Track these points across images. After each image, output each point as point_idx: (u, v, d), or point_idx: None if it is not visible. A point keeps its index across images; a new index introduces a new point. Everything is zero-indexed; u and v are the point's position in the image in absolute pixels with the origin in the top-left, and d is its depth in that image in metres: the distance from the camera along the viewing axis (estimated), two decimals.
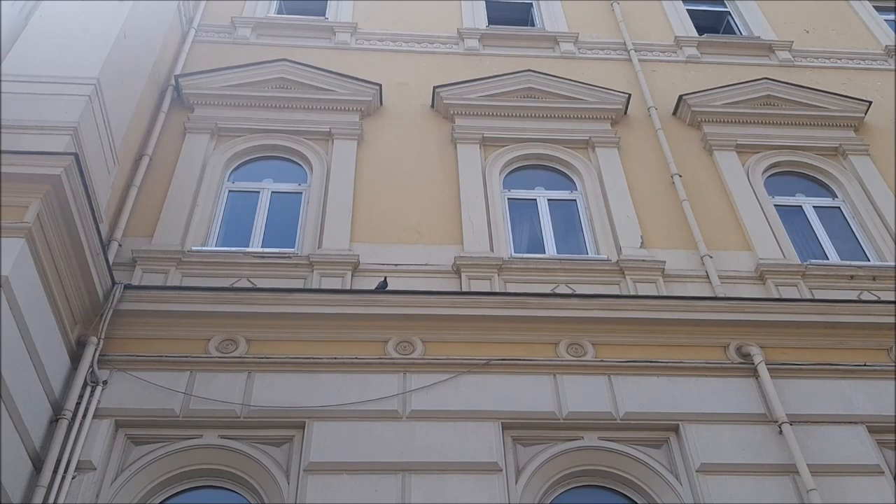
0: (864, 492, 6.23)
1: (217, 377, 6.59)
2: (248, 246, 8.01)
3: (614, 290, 7.72)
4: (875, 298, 7.76)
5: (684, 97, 9.99)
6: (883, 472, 6.40)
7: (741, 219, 8.62)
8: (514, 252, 8.21)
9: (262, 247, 8.01)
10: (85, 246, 6.34)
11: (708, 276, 7.89)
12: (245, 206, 8.54)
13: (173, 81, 9.42)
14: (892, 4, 13.03)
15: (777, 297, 7.73)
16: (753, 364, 6.96)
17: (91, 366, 6.41)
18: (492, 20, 11.71)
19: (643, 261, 7.98)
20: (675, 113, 10.05)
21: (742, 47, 11.55)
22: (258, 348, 6.81)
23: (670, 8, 12.25)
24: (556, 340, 7.05)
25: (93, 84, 7.19)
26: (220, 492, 6.26)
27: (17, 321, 5.56)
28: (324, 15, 11.41)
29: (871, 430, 6.66)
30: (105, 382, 6.42)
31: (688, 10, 12.30)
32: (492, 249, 8.01)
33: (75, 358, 6.46)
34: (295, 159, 9.07)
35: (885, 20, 12.55)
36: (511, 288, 7.62)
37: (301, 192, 8.71)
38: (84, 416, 6.15)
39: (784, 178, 9.50)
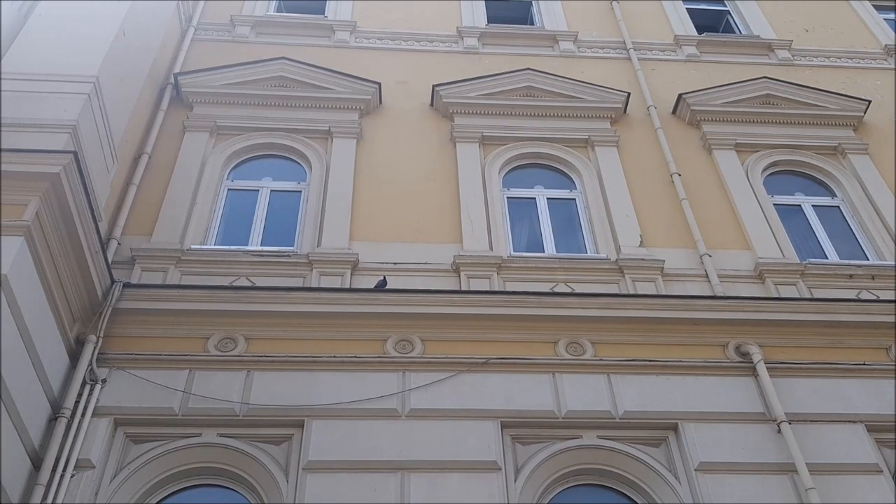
0: (863, 491, 6.24)
1: (216, 376, 6.59)
2: (247, 244, 8.00)
3: (613, 289, 7.72)
4: (874, 297, 7.77)
5: (684, 96, 9.99)
6: (882, 471, 6.40)
7: (740, 218, 8.63)
8: (514, 251, 8.21)
9: (261, 245, 8.01)
10: (84, 244, 6.34)
11: (707, 276, 7.90)
12: (244, 205, 8.54)
13: (172, 80, 9.41)
14: (891, 3, 13.03)
15: (776, 296, 7.73)
16: (752, 363, 6.96)
17: (90, 364, 6.40)
18: (491, 19, 11.70)
19: (642, 260, 7.98)
20: (674, 112, 10.05)
21: (741, 46, 11.55)
22: (257, 347, 6.81)
23: (670, 7, 12.25)
24: (556, 339, 7.05)
25: (92, 82, 7.18)
26: (220, 490, 6.26)
27: (16, 319, 5.56)
28: (323, 13, 11.41)
29: (870, 429, 6.66)
30: (104, 381, 6.42)
31: (687, 9, 12.30)
32: (491, 248, 8.01)
33: (74, 356, 6.46)
34: (294, 158, 9.07)
35: (885, 19, 12.56)
36: (510, 287, 7.62)
37: (300, 191, 8.71)
38: (83, 414, 6.15)
39: (783, 177, 9.51)
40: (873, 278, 8.03)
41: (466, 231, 8.15)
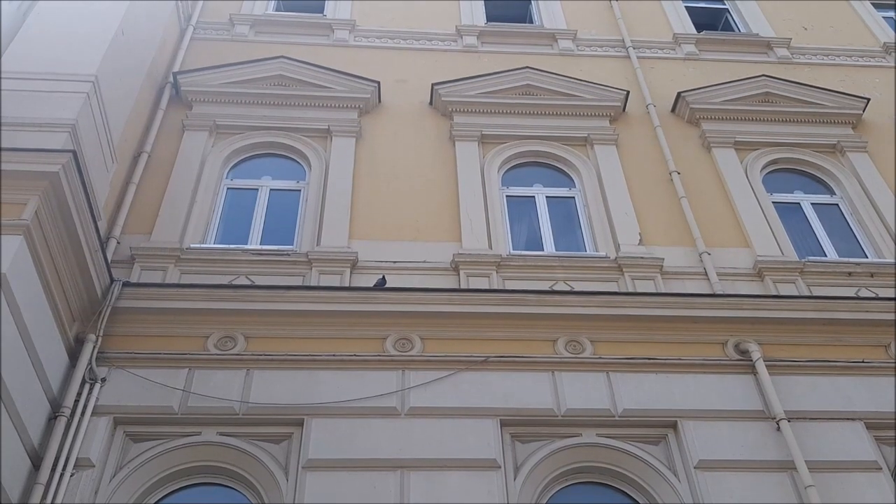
0: (862, 488, 6.24)
1: (215, 374, 6.59)
2: (246, 243, 8.01)
3: (612, 287, 7.72)
4: (873, 295, 7.77)
5: (683, 94, 9.99)
6: (881, 469, 6.41)
7: (739, 216, 8.63)
8: (513, 249, 8.21)
9: (260, 244, 8.01)
10: (83, 243, 6.34)
11: (706, 273, 7.90)
12: (243, 204, 8.54)
13: (171, 79, 9.41)
14: (890, 2, 13.04)
15: (775, 293, 7.74)
16: (751, 361, 6.97)
17: (89, 363, 6.40)
18: (490, 17, 11.70)
19: (641, 258, 7.99)
20: (673, 110, 10.05)
21: (740, 44, 11.55)
22: (257, 345, 6.82)
23: (669, 5, 12.25)
24: (555, 337, 7.05)
25: (91, 81, 7.18)
26: (219, 489, 6.27)
27: (15, 318, 5.56)
28: (322, 12, 11.40)
29: (869, 427, 6.67)
30: (103, 380, 6.42)
31: (686, 8, 12.31)
32: (490, 246, 8.01)
33: (74, 355, 6.46)
34: (293, 157, 9.07)
35: (884, 17, 12.56)
36: (509, 285, 7.63)
37: (299, 190, 8.71)
38: (82, 413, 6.15)
39: (782, 174, 9.51)
40: (872, 276, 8.03)
41: (466, 229, 8.16)
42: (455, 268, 7.76)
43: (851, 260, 8.32)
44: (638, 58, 10.87)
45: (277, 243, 8.00)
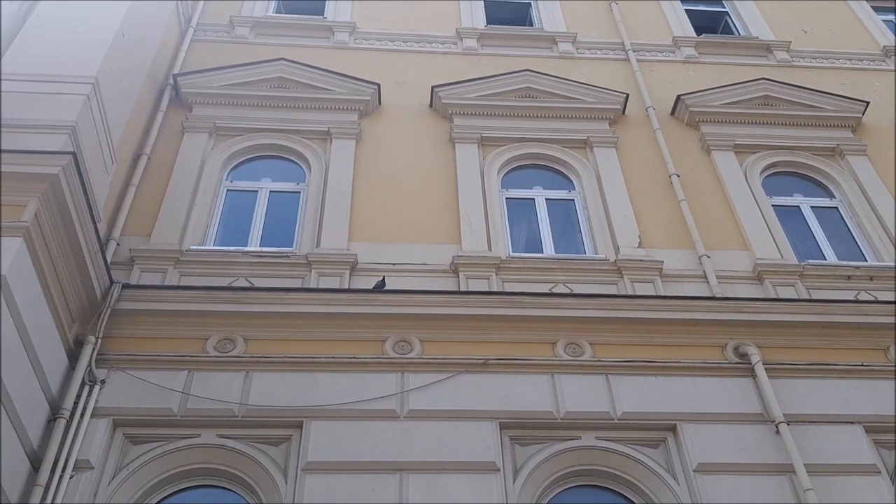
0: (861, 491, 6.24)
1: (215, 376, 6.59)
2: (246, 245, 8.01)
3: (612, 290, 7.72)
4: (872, 299, 7.77)
5: (682, 97, 10.00)
6: (880, 472, 6.41)
7: (739, 219, 8.63)
8: (512, 251, 8.21)
9: (260, 246, 8.01)
10: (83, 245, 6.34)
11: (706, 276, 7.90)
12: (243, 206, 8.54)
13: (171, 80, 9.41)
14: (890, 5, 13.05)
15: (774, 297, 7.74)
16: (751, 364, 6.97)
17: (89, 365, 6.40)
18: (490, 20, 11.71)
19: (641, 260, 7.99)
20: (673, 113, 10.06)
21: (740, 47, 11.56)
22: (256, 348, 6.82)
23: (668, 8, 12.26)
24: (554, 340, 7.06)
25: (91, 83, 7.18)
26: (218, 491, 6.26)
27: (14, 320, 5.56)
28: (322, 14, 11.40)
29: (869, 430, 6.67)
30: (103, 381, 6.42)
31: (686, 10, 12.31)
32: (490, 249, 8.01)
33: (73, 357, 6.45)
34: (293, 158, 9.08)
35: (883, 20, 12.57)
36: (509, 287, 7.63)
37: (299, 192, 8.71)
38: (82, 415, 6.15)
39: (782, 178, 9.52)
40: (871, 279, 8.04)
41: (465, 232, 8.16)
42: (454, 270, 7.76)
43: (851, 263, 8.32)
44: (638, 60, 10.88)
45: (277, 245, 8.00)
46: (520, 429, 6.53)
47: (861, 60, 11.50)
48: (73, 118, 6.77)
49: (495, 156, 9.20)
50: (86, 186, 6.38)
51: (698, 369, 6.97)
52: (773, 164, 9.54)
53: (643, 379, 6.86)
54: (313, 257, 7.70)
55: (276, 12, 11.60)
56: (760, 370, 6.89)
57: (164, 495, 6.20)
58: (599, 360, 6.95)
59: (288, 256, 7.77)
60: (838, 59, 11.48)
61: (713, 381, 6.91)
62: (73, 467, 5.87)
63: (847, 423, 6.70)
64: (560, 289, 7.65)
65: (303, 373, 6.67)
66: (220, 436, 6.33)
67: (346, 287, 7.47)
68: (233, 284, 7.35)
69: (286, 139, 9.11)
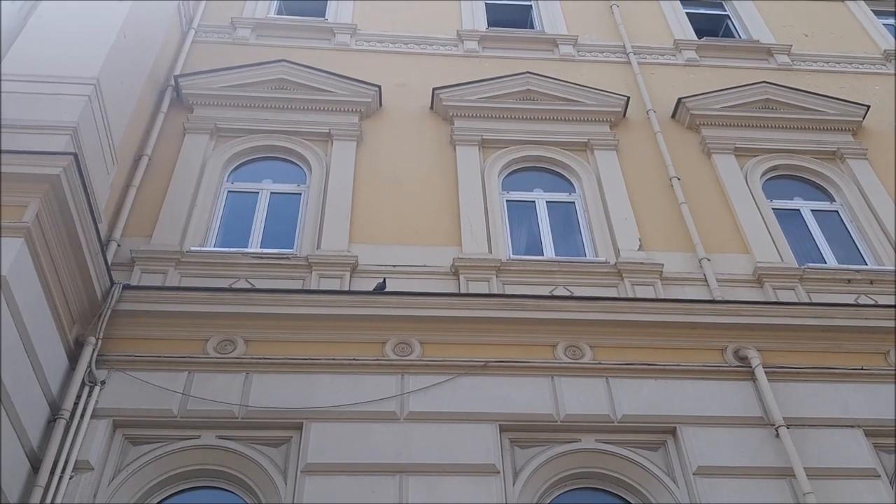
0: (861, 495, 6.24)
1: (215, 378, 6.59)
2: (246, 246, 8.01)
3: (612, 293, 7.73)
4: (872, 302, 7.77)
5: (683, 100, 10.00)
6: (879, 476, 6.41)
7: (739, 222, 8.63)
8: (513, 254, 8.21)
9: (260, 247, 8.01)
10: (84, 246, 6.34)
11: (706, 279, 7.90)
12: (244, 207, 8.54)
13: (173, 81, 9.42)
14: (891, 9, 13.06)
15: (774, 300, 7.75)
16: (751, 367, 6.97)
17: (89, 366, 6.41)
18: (491, 22, 11.72)
19: (641, 263, 7.99)
20: (673, 116, 10.06)
21: (741, 51, 11.57)
22: (256, 349, 6.82)
23: (669, 11, 12.27)
24: (554, 342, 7.06)
25: (92, 84, 7.19)
26: (218, 492, 6.27)
27: (15, 321, 5.56)
28: (323, 16, 11.41)
29: (868, 434, 6.67)
30: (103, 382, 6.42)
31: (687, 13, 12.32)
32: (490, 251, 8.01)
33: (73, 358, 6.45)
34: (294, 160, 9.08)
35: (884, 24, 12.58)
36: (509, 290, 7.63)
37: (300, 193, 8.71)
38: (82, 416, 6.15)
39: (782, 181, 9.52)
40: (871, 283, 8.04)
41: (466, 234, 8.16)
42: (455, 272, 7.76)
43: (851, 267, 8.32)
44: (638, 63, 10.88)
45: (278, 247, 8.00)
46: (520, 431, 6.53)
47: (862, 64, 11.51)
48: (75, 119, 6.78)
49: (496, 158, 9.21)
50: (87, 187, 6.39)
51: (698, 372, 6.97)
52: (774, 168, 9.54)
53: (643, 382, 6.86)
54: (314, 259, 7.70)
55: (278, 13, 11.61)
56: (760, 373, 6.89)
57: (164, 496, 6.20)
58: (599, 363, 6.96)
59: (288, 258, 7.77)
60: (839, 63, 11.48)
61: (713, 384, 6.91)
62: (73, 468, 5.87)
63: (847, 426, 6.70)
64: (560, 291, 7.66)
65: (303, 374, 6.67)
66: (220, 437, 6.33)
67: (346, 289, 7.47)
68: (233, 286, 7.36)
69: (287, 141, 9.11)
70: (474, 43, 11.07)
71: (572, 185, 9.21)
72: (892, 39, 12.10)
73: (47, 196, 5.96)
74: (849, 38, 12.08)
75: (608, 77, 10.64)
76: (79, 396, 6.24)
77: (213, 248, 7.94)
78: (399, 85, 10.05)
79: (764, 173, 9.44)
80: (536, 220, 8.72)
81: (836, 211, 9.25)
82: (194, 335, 6.84)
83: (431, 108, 9.78)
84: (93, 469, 5.96)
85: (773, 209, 8.97)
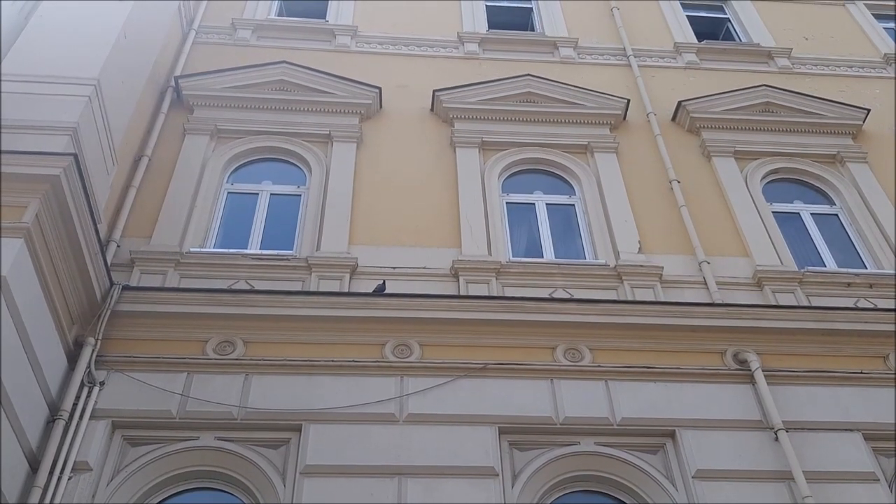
0: (860, 499, 6.24)
1: (214, 379, 6.59)
2: (246, 248, 8.00)
3: (612, 295, 7.73)
4: (872, 306, 7.77)
5: (683, 103, 10.01)
6: (878, 480, 6.41)
7: (739, 225, 8.64)
8: (513, 256, 8.21)
9: (260, 249, 8.01)
10: (83, 246, 6.34)
11: (705, 282, 7.91)
12: (244, 208, 8.54)
13: (173, 82, 9.42)
14: (891, 13, 13.07)
15: (774, 303, 7.74)
16: (750, 370, 6.98)
17: (88, 366, 6.40)
18: (492, 24, 11.72)
19: (641, 266, 7.99)
20: (673, 119, 10.06)
21: (741, 54, 11.57)
22: (255, 350, 6.82)
23: (670, 14, 12.28)
24: (554, 345, 7.06)
25: (93, 84, 7.19)
26: (217, 493, 6.26)
27: (14, 321, 5.56)
28: (324, 17, 11.42)
29: (867, 438, 6.68)
30: (102, 383, 6.42)
31: (687, 17, 12.33)
32: (490, 253, 8.01)
33: (72, 358, 6.45)
34: (294, 161, 9.08)
35: (884, 28, 12.59)
36: (509, 292, 7.63)
37: (300, 195, 8.71)
38: (81, 416, 6.15)
39: (782, 184, 9.52)
40: (871, 287, 8.04)
41: (465, 236, 8.16)
42: (454, 274, 7.76)
43: (850, 270, 8.32)
44: (639, 66, 10.89)
45: (277, 248, 8.00)
46: (519, 434, 6.53)
47: (862, 68, 11.52)
48: (75, 119, 6.78)
49: (496, 160, 9.21)
50: (87, 188, 6.39)
51: (698, 375, 6.97)
52: (774, 171, 9.55)
53: (642, 385, 6.86)
54: (313, 260, 7.69)
55: (278, 15, 11.61)
56: (760, 377, 6.90)
57: (163, 497, 6.19)
58: (599, 366, 6.95)
59: (288, 259, 7.77)
60: (839, 67, 11.49)
61: (712, 387, 6.91)
62: (72, 469, 5.87)
63: (846, 430, 6.70)
64: (560, 294, 7.66)
65: (302, 376, 6.67)
66: (219, 438, 6.32)
67: (346, 290, 7.47)
68: (233, 287, 7.35)
69: (287, 142, 9.11)
70: (475, 45, 11.07)
71: (572, 187, 9.21)
72: (893, 43, 12.11)
73: (47, 196, 5.95)
74: (849, 42, 12.09)
75: (608, 80, 10.65)
76: (78, 397, 6.24)
77: (212, 250, 7.94)
78: (399, 87, 10.05)
79: (764, 176, 9.44)
80: (536, 223, 8.72)
81: (836, 214, 9.26)
82: (193, 336, 6.83)
83: (432, 109, 9.78)
84: (91, 470, 5.96)
85: (772, 212, 8.97)
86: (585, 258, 8.32)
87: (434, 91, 9.76)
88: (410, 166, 9.01)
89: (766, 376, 6.91)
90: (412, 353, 6.89)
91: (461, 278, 7.71)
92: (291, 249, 7.99)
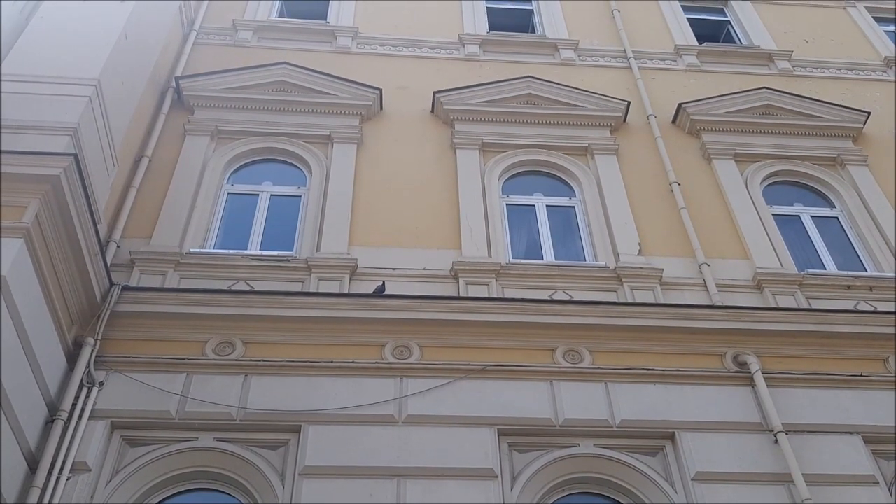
0: (860, 502, 6.23)
1: (213, 379, 6.58)
2: (246, 248, 8.00)
3: (612, 297, 7.72)
4: (872, 309, 7.77)
5: (683, 105, 10.01)
6: (878, 483, 6.40)
7: (739, 227, 8.63)
8: (513, 258, 8.21)
9: (260, 249, 8.01)
10: (83, 247, 6.34)
11: (705, 285, 7.90)
12: (244, 209, 8.54)
13: (174, 83, 9.43)
14: (891, 16, 13.07)
15: (774, 306, 7.74)
16: (750, 373, 6.97)
17: (87, 367, 6.40)
18: (492, 26, 11.73)
19: (641, 268, 7.99)
20: (674, 121, 10.07)
21: (742, 56, 11.58)
22: (255, 351, 6.81)
23: (670, 16, 12.28)
24: (553, 347, 7.05)
25: (93, 85, 7.19)
26: (215, 494, 6.26)
27: (14, 321, 5.56)
28: (325, 19, 11.42)
29: (867, 441, 6.67)
30: (101, 384, 6.41)
31: (688, 19, 12.33)
32: (490, 255, 8.01)
33: (72, 359, 6.45)
34: (294, 162, 9.08)
35: (885, 31, 12.59)
36: (509, 294, 7.63)
37: (300, 195, 8.71)
38: (80, 417, 6.14)
39: (782, 187, 9.52)
40: (871, 289, 8.03)
41: (465, 237, 8.16)
42: (454, 275, 7.76)
43: (850, 273, 8.32)
44: (639, 68, 10.89)
45: (277, 249, 8.00)
46: (518, 435, 6.52)
47: (862, 71, 11.52)
48: (75, 120, 6.78)
49: (496, 162, 9.21)
50: (87, 188, 6.39)
51: (697, 378, 6.96)
52: (774, 174, 9.55)
53: (642, 387, 6.85)
54: (313, 261, 7.69)
55: (279, 16, 11.62)
56: (759, 379, 6.89)
57: (162, 498, 6.18)
58: (598, 368, 6.95)
59: (288, 260, 7.77)
60: (840, 69, 11.49)
61: (712, 389, 6.91)
62: (71, 469, 5.87)
63: (846, 433, 6.70)
64: (560, 295, 7.66)
65: (301, 377, 6.67)
66: (218, 439, 6.32)
67: (345, 291, 7.46)
68: (232, 288, 7.35)
69: (288, 143, 9.12)
70: (475, 47, 11.08)
71: (572, 189, 9.21)
72: (893, 46, 12.11)
73: (47, 197, 5.95)
74: (850, 45, 12.09)
75: (609, 82, 10.65)
76: (77, 397, 6.23)
77: (212, 250, 7.93)
78: (400, 88, 10.06)
79: (764, 179, 9.44)
80: (536, 224, 8.72)
81: (836, 217, 9.25)
82: (193, 337, 6.83)
83: (432, 111, 9.78)
84: (90, 470, 5.95)
85: (773, 215, 8.97)
86: (585, 260, 8.32)
87: (434, 93, 9.76)
88: (411, 168, 9.01)
89: (765, 379, 6.90)
90: (412, 354, 6.89)
91: (461, 280, 7.70)
92: (291, 250, 7.99)
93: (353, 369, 6.75)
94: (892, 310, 7.58)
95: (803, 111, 10.16)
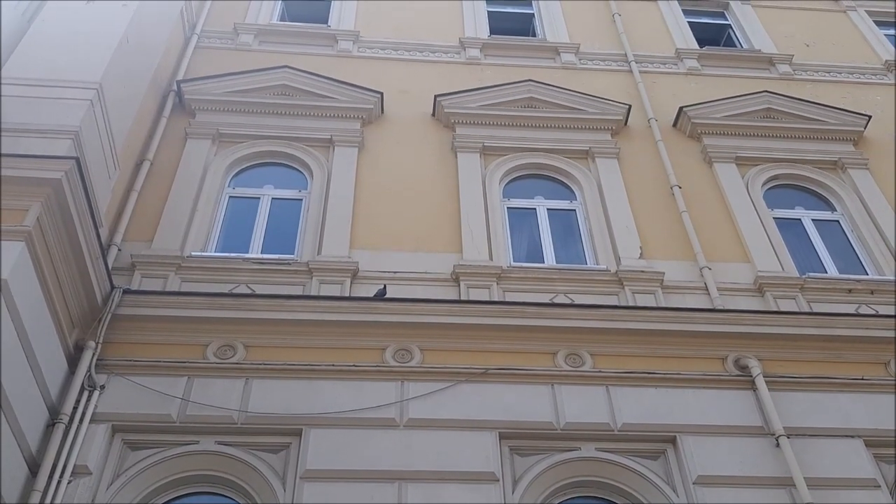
0: None
1: (215, 383, 6.58)
2: (247, 252, 8.00)
3: (613, 301, 7.72)
4: (873, 312, 7.76)
5: (684, 109, 10.01)
6: (879, 486, 6.40)
7: (740, 231, 8.63)
8: (513, 261, 8.21)
9: (261, 253, 8.01)
10: (84, 250, 6.34)
11: (707, 288, 7.90)
12: (245, 212, 8.54)
13: (175, 87, 9.44)
14: (892, 19, 13.08)
15: (775, 309, 7.74)
16: (751, 376, 6.96)
17: (88, 370, 6.40)
18: (493, 30, 11.74)
19: (642, 271, 7.99)
20: (675, 124, 10.07)
21: (743, 60, 11.59)
22: (256, 355, 6.81)
23: (671, 20, 12.29)
24: (555, 350, 7.05)
25: (95, 88, 7.20)
26: (217, 498, 6.26)
27: (15, 324, 5.56)
28: (326, 23, 11.44)
29: (869, 444, 6.66)
30: (102, 387, 6.41)
31: (689, 23, 12.33)
32: (491, 258, 8.01)
33: (73, 362, 6.45)
34: (296, 166, 9.09)
35: (885, 35, 12.59)
36: (510, 297, 7.63)
37: (301, 199, 8.72)
38: (81, 420, 6.14)
39: (783, 190, 9.52)
40: (872, 293, 8.03)
41: (466, 241, 8.16)
42: (455, 279, 7.76)
43: (852, 276, 8.32)
44: (640, 72, 10.90)
45: (278, 252, 8.00)
46: (519, 439, 6.52)
47: (863, 74, 11.53)
48: (77, 123, 6.79)
49: (497, 165, 9.21)
50: (88, 191, 6.39)
51: (699, 381, 6.96)
52: (775, 177, 9.55)
53: (643, 390, 6.85)
54: (314, 265, 7.70)
55: (280, 20, 11.62)
56: (761, 383, 6.89)
57: (163, 502, 6.18)
58: (600, 371, 6.95)
59: (289, 263, 7.77)
60: (840, 73, 11.50)
61: (713, 393, 6.90)
62: (72, 473, 5.87)
63: (847, 436, 6.69)
64: (561, 299, 7.65)
65: (303, 380, 6.67)
66: (219, 443, 6.32)
67: (346, 295, 7.47)
68: (234, 291, 7.35)
69: (289, 146, 9.12)
70: (476, 50, 11.09)
71: (573, 192, 9.21)
72: (894, 49, 12.11)
73: (49, 200, 5.96)
74: (850, 48, 12.10)
75: (610, 85, 10.66)
76: (78, 401, 6.23)
77: (213, 254, 7.94)
78: (401, 92, 10.07)
79: (765, 182, 9.44)
80: (537, 228, 8.72)
81: (837, 220, 9.25)
82: (194, 340, 6.83)
83: (433, 114, 9.79)
84: (91, 474, 5.95)
85: (774, 218, 8.97)
86: (586, 263, 8.31)
87: (436, 96, 9.77)
88: (412, 171, 9.02)
89: (767, 382, 6.90)
90: (413, 357, 6.89)
91: (462, 283, 7.70)
92: (292, 254, 7.99)
93: (355, 373, 6.74)
94: (894, 313, 7.56)
95: (804, 115, 10.16)
